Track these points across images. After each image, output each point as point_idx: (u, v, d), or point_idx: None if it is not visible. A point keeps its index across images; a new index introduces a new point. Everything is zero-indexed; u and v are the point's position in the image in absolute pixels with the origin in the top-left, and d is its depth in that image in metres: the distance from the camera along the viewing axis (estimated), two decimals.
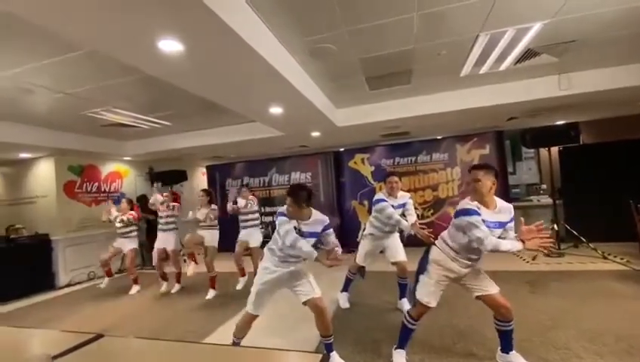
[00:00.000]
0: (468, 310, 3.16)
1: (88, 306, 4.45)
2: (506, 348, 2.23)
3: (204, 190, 4.75)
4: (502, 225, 2.07)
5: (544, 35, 3.02)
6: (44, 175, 5.90)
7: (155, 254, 4.79)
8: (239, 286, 4.45)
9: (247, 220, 4.59)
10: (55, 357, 1.12)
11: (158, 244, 4.78)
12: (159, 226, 4.86)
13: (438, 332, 2.79)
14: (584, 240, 5.03)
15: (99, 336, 1.38)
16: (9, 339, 1.55)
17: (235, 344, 2.47)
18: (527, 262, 4.81)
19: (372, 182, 6.84)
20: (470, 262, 2.19)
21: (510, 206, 2.13)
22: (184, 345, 1.41)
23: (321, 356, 1.08)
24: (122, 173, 7.18)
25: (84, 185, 6.29)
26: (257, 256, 4.25)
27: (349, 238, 5.33)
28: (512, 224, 2.12)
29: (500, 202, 2.11)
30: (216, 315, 3.64)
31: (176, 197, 5.45)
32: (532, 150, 6.78)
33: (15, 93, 3.46)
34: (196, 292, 4.60)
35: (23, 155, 5.69)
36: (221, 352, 1.28)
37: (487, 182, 2.04)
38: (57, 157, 5.79)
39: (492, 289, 2.19)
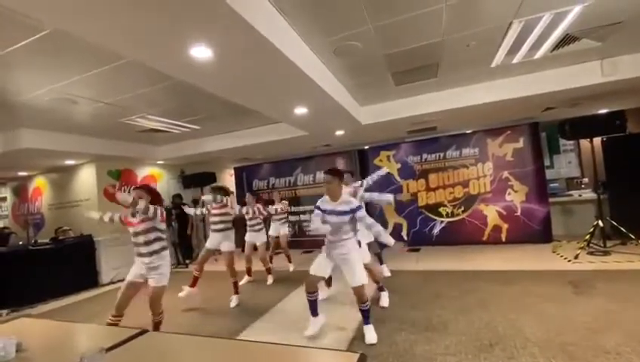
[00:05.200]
0: (506, 311, 3.03)
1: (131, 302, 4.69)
2: (365, 321, 2.77)
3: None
4: (340, 213, 2.71)
5: (585, 18, 2.83)
6: (86, 180, 6.33)
7: None
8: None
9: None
10: (107, 349, 1.20)
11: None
12: None
13: (475, 333, 2.69)
14: (632, 236, 4.65)
15: (143, 331, 1.46)
16: (65, 333, 1.68)
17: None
18: (569, 261, 4.52)
19: (398, 179, 6.72)
20: (336, 250, 2.80)
21: (351, 200, 2.76)
22: (221, 341, 1.45)
23: (358, 355, 1.08)
24: (156, 177, 7.53)
25: (123, 188, 6.67)
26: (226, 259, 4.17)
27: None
28: (360, 213, 2.67)
29: (344, 197, 2.77)
30: (250, 312, 3.73)
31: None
32: (571, 142, 6.36)
33: (62, 105, 3.73)
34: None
35: (68, 162, 6.13)
36: (257, 349, 1.31)
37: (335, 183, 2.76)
38: (98, 163, 6.19)
39: (352, 282, 2.70)
